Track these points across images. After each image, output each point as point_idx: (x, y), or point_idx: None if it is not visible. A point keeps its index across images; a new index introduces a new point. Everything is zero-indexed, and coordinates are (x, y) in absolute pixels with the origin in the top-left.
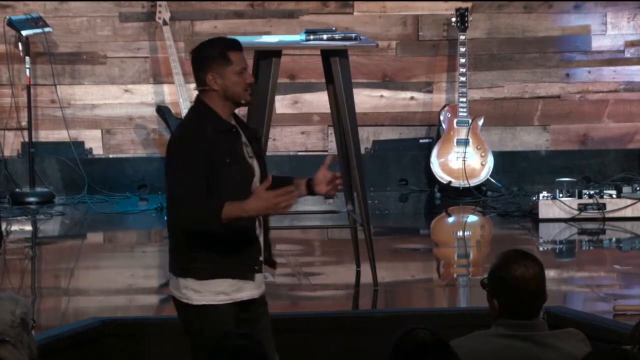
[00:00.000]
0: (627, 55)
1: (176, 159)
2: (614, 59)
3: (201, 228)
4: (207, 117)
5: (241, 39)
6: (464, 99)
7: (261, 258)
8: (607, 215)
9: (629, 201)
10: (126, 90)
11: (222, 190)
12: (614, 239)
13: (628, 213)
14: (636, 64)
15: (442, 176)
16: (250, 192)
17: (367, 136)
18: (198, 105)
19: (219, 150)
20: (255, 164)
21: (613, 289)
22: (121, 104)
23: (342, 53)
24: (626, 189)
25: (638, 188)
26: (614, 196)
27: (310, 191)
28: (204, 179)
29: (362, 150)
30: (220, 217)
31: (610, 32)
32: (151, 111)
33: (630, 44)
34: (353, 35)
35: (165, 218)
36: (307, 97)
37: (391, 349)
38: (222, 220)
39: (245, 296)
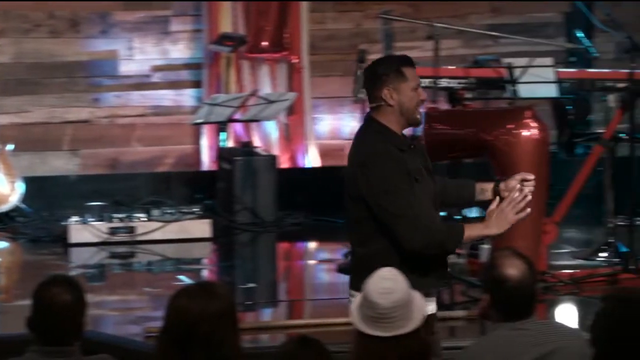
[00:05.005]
0: (154, 79)
1: (377, 177)
2: (142, 83)
3: (441, 251)
4: (388, 136)
5: None
6: None
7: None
8: (138, 238)
9: (159, 224)
10: None
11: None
12: (144, 262)
13: (158, 236)
14: (163, 88)
15: None
16: (436, 210)
17: None
18: (371, 124)
19: (408, 168)
20: (431, 179)
21: (144, 311)
22: None
23: None
24: (156, 212)
25: (167, 211)
26: (144, 219)
27: (498, 195)
28: (412, 192)
29: None
30: (461, 240)
31: (137, 56)
32: None
33: (157, 69)
34: None
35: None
36: None
37: None
38: (462, 243)
39: (429, 310)
